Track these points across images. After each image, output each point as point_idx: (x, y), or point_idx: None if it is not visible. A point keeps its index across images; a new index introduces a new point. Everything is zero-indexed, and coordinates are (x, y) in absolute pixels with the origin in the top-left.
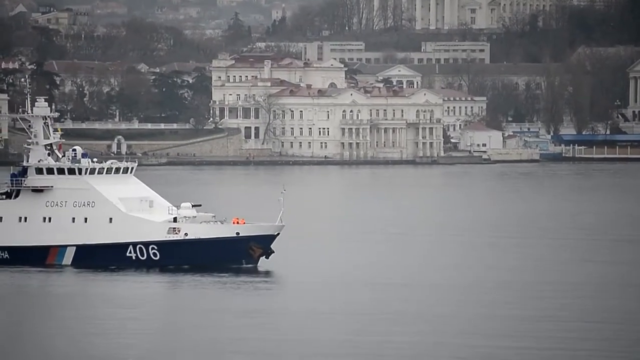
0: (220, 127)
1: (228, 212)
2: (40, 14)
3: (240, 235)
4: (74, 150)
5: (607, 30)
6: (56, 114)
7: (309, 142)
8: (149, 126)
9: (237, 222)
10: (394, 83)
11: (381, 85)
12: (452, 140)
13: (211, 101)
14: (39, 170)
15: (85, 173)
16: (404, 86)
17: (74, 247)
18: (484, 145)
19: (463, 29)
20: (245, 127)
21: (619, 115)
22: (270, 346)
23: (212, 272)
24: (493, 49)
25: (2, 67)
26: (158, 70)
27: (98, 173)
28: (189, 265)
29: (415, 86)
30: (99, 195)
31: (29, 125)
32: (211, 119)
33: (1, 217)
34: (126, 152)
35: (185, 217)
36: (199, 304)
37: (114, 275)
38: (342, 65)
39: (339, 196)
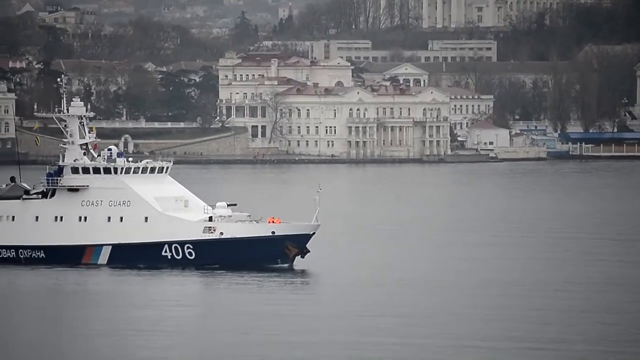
0: (227, 125)
1: (262, 211)
2: (48, 13)
3: (276, 234)
4: (110, 149)
5: (614, 28)
6: (92, 114)
7: (316, 141)
8: (156, 125)
9: (273, 222)
10: (401, 81)
11: (388, 83)
12: (459, 139)
13: (218, 100)
14: (75, 170)
15: (121, 172)
16: (411, 84)
17: (110, 247)
18: (491, 143)
19: (470, 27)
20: (252, 126)
21: (626, 113)
22: (305, 347)
23: (247, 272)
24: (500, 47)
25: (10, 66)
26: (165, 69)
27: (133, 172)
28: (224, 264)
29: (422, 84)
30: (135, 195)
31: (65, 125)
32: (218, 117)
33: (37, 217)
34: (133, 151)
35: (220, 216)
36: (234, 304)
37: (149, 275)
38: (349, 64)
39: (354, 195)
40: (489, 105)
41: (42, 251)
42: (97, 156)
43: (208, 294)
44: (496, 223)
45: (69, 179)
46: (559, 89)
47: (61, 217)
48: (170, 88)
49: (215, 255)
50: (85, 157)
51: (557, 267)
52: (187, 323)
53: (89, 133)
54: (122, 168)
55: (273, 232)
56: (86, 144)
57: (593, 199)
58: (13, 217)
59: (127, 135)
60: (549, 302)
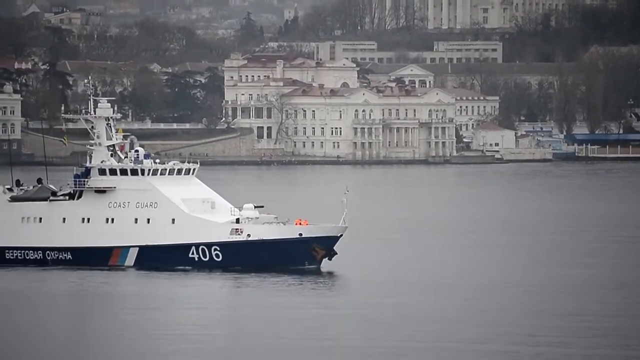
0: (232, 127)
1: (289, 213)
2: (53, 14)
3: (303, 236)
4: (137, 151)
5: (620, 29)
6: (119, 115)
7: (321, 142)
8: (162, 126)
9: (300, 223)
10: (407, 83)
11: (393, 84)
12: (465, 140)
13: (224, 101)
14: (102, 171)
15: (148, 174)
16: (417, 86)
17: (137, 248)
18: (497, 144)
19: (475, 28)
20: (258, 127)
21: (632, 115)
22: (331, 350)
23: (274, 274)
24: (505, 49)
25: (15, 67)
26: (170, 70)
27: (160, 174)
28: (251, 266)
29: (427, 86)
30: (162, 196)
31: (92, 127)
32: (224, 118)
33: (64, 218)
34: None
35: (247, 218)
36: (261, 306)
37: (176, 277)
38: (355, 65)
39: (368, 196)
40: (494, 107)
41: (69, 253)
42: (124, 157)
43: (235, 296)
44: (516, 226)
45: (96, 181)
46: (565, 91)
47: (88, 219)
48: (176, 89)
49: (242, 258)
50: (112, 158)
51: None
52: (214, 326)
53: (116, 134)
54: (149, 170)
55: (300, 234)
56: (113, 145)
57: (599, 200)
58: (40, 219)
59: (132, 137)
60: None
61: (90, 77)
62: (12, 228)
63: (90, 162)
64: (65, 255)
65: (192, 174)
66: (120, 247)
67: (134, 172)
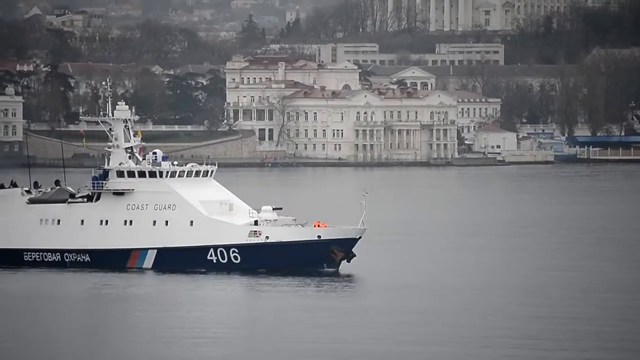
0: (234, 129)
1: (307, 215)
2: (55, 16)
3: (322, 238)
4: (155, 153)
5: (622, 31)
6: (136, 117)
7: (323, 144)
8: (163, 128)
9: (318, 226)
10: (408, 85)
11: (395, 86)
12: (467, 142)
13: (225, 103)
14: (120, 174)
15: (166, 176)
16: (418, 88)
17: (155, 251)
18: (498, 146)
19: (477, 30)
20: (260, 129)
21: (634, 117)
22: (350, 353)
23: (293, 276)
24: (507, 51)
25: (17, 69)
26: (172, 73)
27: (179, 176)
28: (270, 268)
29: (429, 88)
30: (180, 199)
31: (110, 129)
32: (225, 120)
33: (82, 220)
34: None
35: (266, 220)
36: (279, 308)
37: (194, 279)
38: (356, 67)
39: (376, 198)
40: (496, 109)
41: (87, 255)
42: (142, 160)
43: (253, 298)
44: (529, 228)
45: (114, 183)
46: (567, 93)
47: (106, 221)
48: (178, 91)
49: (260, 260)
50: (130, 160)
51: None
52: (232, 328)
53: (134, 137)
54: (167, 172)
55: (319, 237)
56: (131, 147)
57: (601, 202)
58: (59, 221)
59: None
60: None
61: (108, 79)
62: (30, 230)
63: (108, 164)
64: (84, 257)
65: (210, 176)
66: (139, 249)
67: (152, 174)
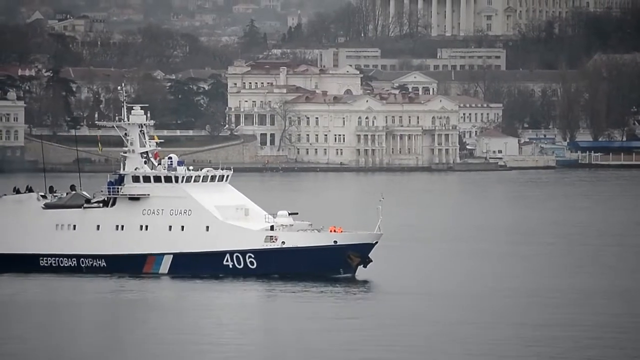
0: (236, 133)
1: (323, 220)
2: (57, 21)
3: (338, 243)
4: (170, 158)
5: (624, 36)
6: (152, 122)
7: (325, 149)
8: (165, 133)
9: (334, 231)
10: (410, 90)
11: (397, 91)
12: (468, 147)
13: (227, 108)
14: (136, 179)
15: (182, 181)
16: (420, 93)
17: (171, 256)
18: (500, 152)
19: (479, 35)
20: (261, 134)
21: (635, 122)
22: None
23: (309, 281)
24: (509, 56)
25: (19, 74)
26: (174, 77)
27: (194, 181)
28: (286, 274)
29: (431, 93)
30: (196, 204)
31: (125, 134)
32: (227, 125)
33: (98, 225)
34: None
35: (282, 225)
36: (296, 314)
37: (210, 284)
38: (358, 72)
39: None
40: (497, 114)
41: (103, 260)
42: (158, 164)
43: (269, 304)
44: (539, 234)
45: (130, 188)
46: (568, 98)
47: (122, 226)
48: (179, 96)
49: (277, 265)
50: (145, 165)
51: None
52: (248, 334)
53: (150, 141)
54: (183, 177)
55: (335, 242)
56: (147, 152)
57: (603, 207)
58: (74, 226)
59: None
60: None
61: (123, 84)
62: (46, 235)
63: (123, 169)
64: (100, 262)
65: (226, 180)
66: (155, 255)
67: (168, 179)
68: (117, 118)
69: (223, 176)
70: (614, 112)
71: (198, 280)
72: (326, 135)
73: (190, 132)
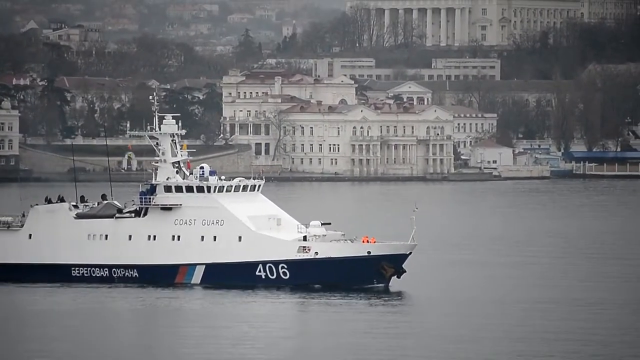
0: (230, 143)
1: (357, 231)
2: (52, 30)
3: (372, 254)
4: (202, 167)
5: (618, 47)
6: (183, 131)
7: (319, 159)
8: None
9: (367, 241)
10: (405, 99)
11: (391, 101)
12: (463, 157)
13: (222, 117)
14: (168, 189)
15: (214, 191)
16: (415, 103)
17: (203, 266)
18: (495, 162)
19: (474, 45)
20: (256, 144)
21: (630, 133)
22: None
23: (342, 292)
24: (503, 66)
25: (14, 83)
26: (169, 87)
27: (226, 191)
28: (319, 284)
29: (425, 103)
30: (228, 214)
31: (157, 143)
32: (221, 135)
33: (130, 236)
34: (137, 169)
35: (315, 235)
36: (329, 324)
37: (243, 295)
38: (353, 82)
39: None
40: (492, 124)
41: (135, 270)
42: (189, 174)
43: (303, 315)
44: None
45: (161, 198)
46: (563, 108)
47: (154, 236)
48: (174, 105)
49: (310, 275)
50: (177, 175)
51: None
52: (281, 345)
53: (181, 151)
54: (215, 186)
55: (369, 252)
56: (178, 162)
57: (597, 218)
58: (106, 236)
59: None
60: None
61: (155, 94)
62: (78, 245)
63: (155, 179)
64: (132, 272)
65: (258, 190)
66: (187, 265)
67: (200, 189)
68: (148, 127)
69: (255, 186)
70: (608, 123)
71: (231, 290)
72: (321, 145)
73: (185, 142)
